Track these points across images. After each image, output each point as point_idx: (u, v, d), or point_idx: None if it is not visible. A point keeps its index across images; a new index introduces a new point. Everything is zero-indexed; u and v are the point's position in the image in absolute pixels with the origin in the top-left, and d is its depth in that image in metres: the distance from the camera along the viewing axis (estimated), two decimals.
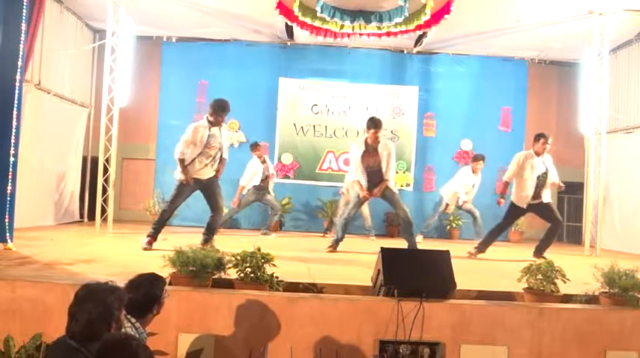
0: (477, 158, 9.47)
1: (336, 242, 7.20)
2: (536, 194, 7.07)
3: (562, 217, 7.75)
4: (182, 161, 6.39)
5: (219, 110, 6.44)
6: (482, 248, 7.36)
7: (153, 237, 6.49)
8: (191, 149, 6.40)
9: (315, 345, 3.92)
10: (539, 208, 7.22)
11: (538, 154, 7.10)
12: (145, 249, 6.37)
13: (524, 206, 7.15)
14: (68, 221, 9.77)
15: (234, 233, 8.78)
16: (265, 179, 9.30)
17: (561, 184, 7.24)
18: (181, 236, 6.90)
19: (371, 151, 6.97)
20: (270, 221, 9.64)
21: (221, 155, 6.57)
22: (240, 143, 10.69)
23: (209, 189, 6.54)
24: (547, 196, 7.15)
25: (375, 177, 6.97)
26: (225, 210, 8.15)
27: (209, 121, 6.45)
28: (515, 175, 7.14)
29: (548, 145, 7.11)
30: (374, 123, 6.93)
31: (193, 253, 4.20)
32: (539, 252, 7.05)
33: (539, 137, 7.16)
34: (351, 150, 7.34)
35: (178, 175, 6.45)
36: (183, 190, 6.49)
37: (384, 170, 6.94)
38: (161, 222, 6.57)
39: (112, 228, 8.49)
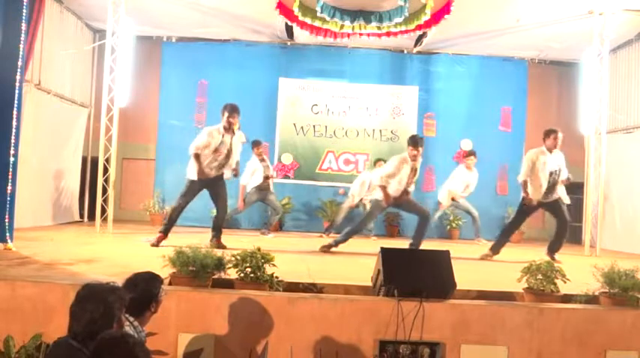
0: (468, 154, 9.61)
1: (332, 244, 7.17)
2: (550, 191, 6.99)
3: None
4: (197, 156, 6.70)
5: (233, 112, 6.76)
6: (496, 249, 7.27)
7: (164, 233, 6.78)
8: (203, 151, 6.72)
9: (315, 345, 3.92)
10: (552, 206, 7.15)
11: (550, 150, 7.03)
12: (152, 244, 6.61)
13: (536, 203, 7.07)
14: (68, 221, 9.77)
15: (234, 233, 8.77)
16: (266, 179, 9.29)
17: (569, 176, 7.16)
18: (181, 236, 6.91)
19: (413, 169, 7.04)
20: (270, 221, 9.63)
21: (229, 160, 6.89)
22: (241, 143, 10.66)
23: (215, 188, 6.90)
24: (562, 193, 7.10)
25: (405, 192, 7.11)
26: (228, 210, 8.17)
27: (228, 122, 6.75)
28: (529, 173, 7.00)
29: (560, 140, 7.02)
30: (421, 143, 6.98)
31: (193, 253, 4.20)
32: (551, 252, 6.96)
33: (549, 133, 7.05)
34: (394, 161, 7.08)
35: (192, 176, 6.73)
36: (192, 188, 6.82)
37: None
38: (171, 220, 6.88)
39: (112, 228, 8.49)
